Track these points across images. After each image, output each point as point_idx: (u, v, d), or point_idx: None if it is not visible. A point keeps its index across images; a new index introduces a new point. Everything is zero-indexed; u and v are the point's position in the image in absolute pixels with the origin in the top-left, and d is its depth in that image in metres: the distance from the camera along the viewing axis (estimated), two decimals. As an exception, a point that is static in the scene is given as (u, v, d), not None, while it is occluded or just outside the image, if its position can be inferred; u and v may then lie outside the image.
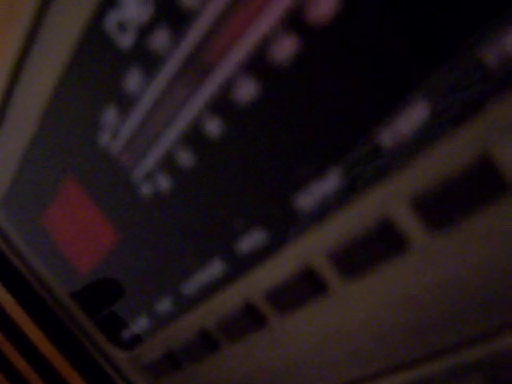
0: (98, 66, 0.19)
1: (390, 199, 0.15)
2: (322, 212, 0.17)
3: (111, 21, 0.18)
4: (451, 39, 0.12)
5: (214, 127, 0.17)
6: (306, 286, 0.18)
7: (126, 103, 0.19)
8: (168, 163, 0.19)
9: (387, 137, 0.14)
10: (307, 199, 0.17)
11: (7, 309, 0.34)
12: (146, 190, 0.21)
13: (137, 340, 0.28)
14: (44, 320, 0.33)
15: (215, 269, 0.21)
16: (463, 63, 0.12)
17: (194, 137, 0.18)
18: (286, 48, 0.15)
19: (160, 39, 0.17)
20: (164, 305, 0.24)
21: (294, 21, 0.14)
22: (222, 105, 0.17)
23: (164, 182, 0.20)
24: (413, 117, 0.14)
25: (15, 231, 0.29)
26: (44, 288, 0.31)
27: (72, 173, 0.23)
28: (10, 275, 0.32)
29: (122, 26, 0.18)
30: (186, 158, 0.19)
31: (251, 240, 0.19)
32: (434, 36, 0.12)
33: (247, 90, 0.16)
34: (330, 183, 0.16)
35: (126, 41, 0.18)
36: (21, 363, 0.36)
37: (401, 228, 0.15)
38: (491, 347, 0.16)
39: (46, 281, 0.31)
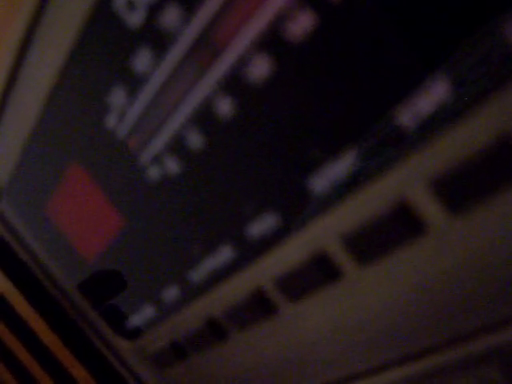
0: (106, 46, 0.19)
1: (408, 181, 0.15)
2: (337, 195, 0.16)
3: (120, -1, 0.17)
4: (474, 16, 0.12)
5: (225, 108, 0.17)
6: (318, 272, 0.18)
7: (134, 84, 0.19)
8: (177, 146, 0.19)
9: (406, 116, 0.14)
10: (321, 181, 0.16)
11: (10, 299, 0.34)
12: (153, 173, 0.20)
13: (142, 330, 0.28)
14: (47, 311, 0.32)
15: (224, 255, 0.21)
16: (486, 40, 0.12)
17: (204, 118, 0.18)
18: (301, 25, 0.14)
19: (170, 18, 0.17)
20: (171, 293, 0.24)
21: (311, -5, 0.14)
22: (233, 85, 0.16)
23: (172, 166, 0.20)
24: (433, 96, 0.13)
25: (19, 220, 0.29)
26: (48, 278, 0.31)
27: (77, 158, 0.23)
28: (14, 265, 0.32)
29: (131, 5, 0.17)
30: (195, 141, 0.18)
31: (262, 225, 0.19)
32: (457, 12, 0.12)
33: (260, 69, 0.16)
34: (345, 164, 0.16)
35: (134, 20, 0.17)
36: (24, 354, 0.36)
37: (418, 211, 0.15)
38: (506, 336, 0.16)
39: (51, 270, 0.30)
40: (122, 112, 0.20)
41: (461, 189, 0.14)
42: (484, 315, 0.16)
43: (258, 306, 0.20)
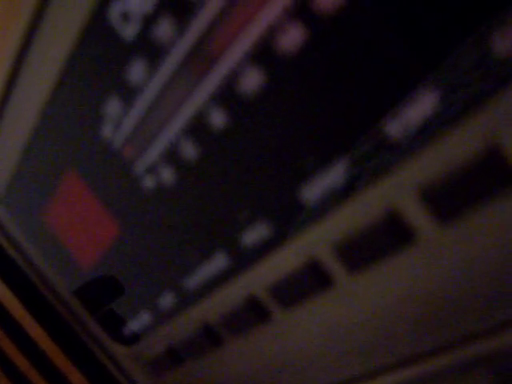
0: (101, 57, 0.19)
1: (398, 191, 0.15)
2: (328, 204, 0.16)
3: (115, 11, 0.18)
4: (460, 27, 0.12)
5: (218, 119, 0.17)
6: (310, 280, 0.18)
7: (129, 95, 0.19)
8: (171, 156, 0.19)
9: (394, 127, 0.14)
10: (312, 191, 0.17)
11: (7, 305, 0.34)
12: (148, 183, 0.21)
13: (138, 336, 0.28)
14: (44, 316, 0.32)
15: (218, 262, 0.21)
16: (474, 49, 0.12)
17: (198, 129, 0.18)
18: (292, 37, 0.15)
19: (164, 30, 0.17)
20: (166, 299, 0.24)
21: (301, 9, 0.14)
22: (226, 96, 0.17)
23: (167, 175, 0.20)
24: (420, 107, 0.14)
25: (16, 227, 0.29)
26: (44, 284, 0.31)
27: (73, 166, 0.23)
28: (11, 271, 0.32)
29: (125, 17, 0.18)
30: (189, 151, 0.19)
31: (255, 233, 0.19)
32: (443, 24, 0.12)
33: (253, 81, 0.16)
34: (335, 174, 0.16)
35: (129, 31, 0.18)
36: (21, 360, 0.36)
37: (408, 220, 0.15)
38: (499, 342, 0.16)
39: (47, 277, 0.30)
40: (118, 122, 0.20)
41: (450, 198, 0.14)
42: (474, 322, 0.16)
43: (252, 313, 0.21)
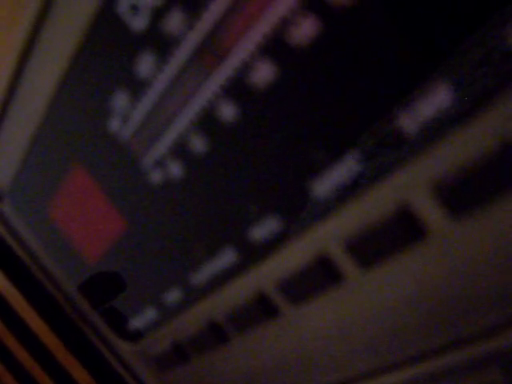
0: (110, 49, 0.19)
1: (410, 185, 0.15)
2: (339, 198, 0.16)
3: (124, 3, 0.17)
4: (475, 19, 0.12)
5: (228, 112, 0.17)
6: (320, 275, 0.18)
7: (137, 88, 0.19)
8: (180, 149, 0.19)
9: (408, 121, 0.14)
10: (324, 185, 0.16)
11: (10, 300, 0.34)
12: (156, 177, 0.20)
13: (143, 332, 0.28)
14: (48, 312, 0.32)
15: (226, 258, 0.21)
16: (486, 42, 0.12)
17: (207, 122, 0.18)
18: (303, 30, 0.14)
19: (174, 22, 0.17)
20: (172, 296, 0.24)
21: (312, 0, 0.14)
22: (236, 89, 0.17)
23: (175, 169, 0.20)
24: (434, 99, 0.13)
25: (21, 221, 0.29)
26: (49, 279, 0.31)
27: (80, 160, 0.23)
28: (15, 266, 0.32)
29: (135, 9, 0.17)
30: (198, 144, 0.19)
31: (264, 228, 0.19)
32: (458, 16, 0.12)
33: (263, 74, 0.16)
34: (347, 169, 0.16)
35: (139, 24, 0.18)
36: (24, 355, 0.36)
37: (420, 215, 0.15)
38: (509, 338, 0.16)
39: (52, 272, 0.30)
40: (126, 115, 0.20)
41: (463, 193, 0.14)
42: (486, 318, 0.16)
43: (260, 309, 0.21)
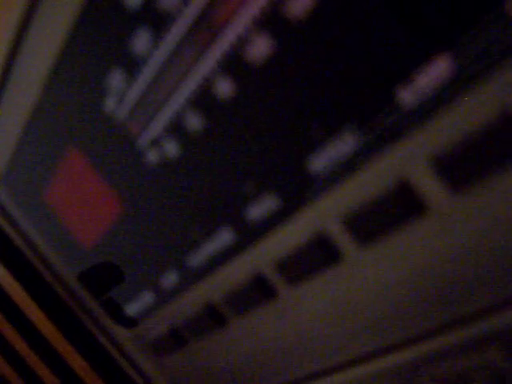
0: (104, 27, 0.18)
1: (409, 160, 0.15)
2: (337, 175, 0.16)
3: (118, -22, 0.17)
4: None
5: (224, 89, 0.17)
6: (318, 254, 0.18)
7: (132, 66, 0.19)
8: (176, 128, 0.19)
9: (406, 94, 0.14)
10: (321, 162, 0.16)
11: (7, 289, 0.34)
12: (152, 157, 0.20)
13: (140, 317, 0.28)
14: (45, 299, 0.32)
15: (223, 238, 0.20)
16: (488, 18, 0.12)
17: (203, 100, 0.18)
18: (299, 3, 0.14)
19: (169, -2, 0.16)
20: (169, 279, 0.24)
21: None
22: (233, 65, 0.16)
23: (171, 148, 0.19)
24: (434, 73, 0.13)
25: (16, 207, 0.29)
26: (46, 266, 0.31)
27: (75, 142, 0.23)
28: (11, 253, 0.32)
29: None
30: (194, 123, 0.18)
31: (261, 206, 0.18)
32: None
33: (260, 49, 0.16)
34: (345, 144, 0.15)
35: (133, 1, 0.17)
36: (21, 344, 0.36)
37: (420, 190, 0.15)
38: (509, 318, 0.16)
39: (49, 259, 0.30)
40: (121, 95, 0.20)
41: (462, 167, 0.14)
42: (486, 296, 0.16)
43: (258, 290, 0.20)
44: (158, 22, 0.17)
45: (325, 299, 0.19)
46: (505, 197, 0.14)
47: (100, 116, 0.21)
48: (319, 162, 0.16)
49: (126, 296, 0.27)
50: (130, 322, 0.29)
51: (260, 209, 0.18)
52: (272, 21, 0.15)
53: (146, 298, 0.26)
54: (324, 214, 0.17)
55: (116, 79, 0.19)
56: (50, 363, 0.35)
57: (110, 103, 0.20)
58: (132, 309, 0.28)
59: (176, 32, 0.17)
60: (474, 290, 0.16)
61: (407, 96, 0.14)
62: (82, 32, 0.19)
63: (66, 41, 0.20)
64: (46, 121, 0.23)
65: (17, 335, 0.36)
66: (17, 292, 0.33)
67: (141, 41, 0.18)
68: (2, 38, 0.22)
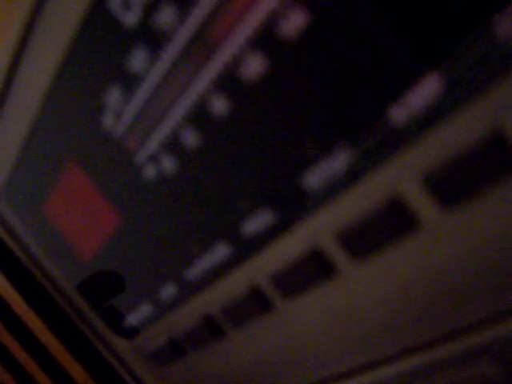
0: (102, 45, 0.19)
1: (401, 177, 0.15)
2: (331, 191, 0.16)
3: (116, -2, 0.18)
4: (466, 11, 0.12)
5: (220, 106, 0.17)
6: (313, 268, 0.18)
7: (130, 83, 0.19)
8: (173, 144, 0.19)
9: (398, 112, 0.14)
10: (315, 178, 0.16)
11: (7, 298, 0.34)
12: (149, 172, 0.21)
13: (139, 328, 0.28)
14: (45, 309, 0.32)
15: (220, 252, 0.21)
16: (477, 36, 0.12)
17: (199, 116, 0.18)
18: (294, 23, 0.14)
19: (165, 17, 0.17)
20: (167, 291, 0.24)
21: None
22: (228, 83, 0.17)
23: (168, 164, 0.20)
24: (425, 92, 0.14)
25: (17, 219, 0.29)
26: (45, 277, 0.31)
27: (74, 157, 0.23)
28: (11, 264, 0.32)
29: (126, 4, 0.17)
30: (191, 139, 0.19)
31: (257, 221, 0.19)
32: (450, 11, 0.12)
33: (254, 67, 0.16)
34: (338, 161, 0.16)
35: (130, 19, 0.18)
36: (21, 354, 0.36)
37: (411, 206, 0.15)
38: (504, 330, 0.16)
39: (48, 270, 0.30)
40: (119, 111, 0.20)
41: (453, 184, 0.14)
42: (479, 309, 0.16)
43: (255, 303, 0.21)
44: (155, 41, 0.17)
45: (320, 312, 0.19)
46: (494, 213, 0.14)
47: (98, 132, 0.21)
48: (313, 179, 0.17)
49: (125, 307, 0.27)
50: (129, 333, 0.29)
51: (256, 224, 0.19)
52: (266, 40, 0.15)
53: (145, 310, 0.26)
54: (318, 229, 0.17)
55: (114, 96, 0.20)
56: (49, 373, 0.35)
57: (108, 119, 0.20)
58: (131, 320, 0.28)
59: (172, 50, 0.17)
60: (467, 303, 0.16)
61: (398, 114, 0.14)
62: (81, 49, 0.19)
63: (64, 58, 0.20)
64: (46, 135, 0.23)
65: (17, 345, 0.36)
66: (17, 302, 0.33)
67: (138, 58, 0.18)
68: (2, 55, 0.22)
